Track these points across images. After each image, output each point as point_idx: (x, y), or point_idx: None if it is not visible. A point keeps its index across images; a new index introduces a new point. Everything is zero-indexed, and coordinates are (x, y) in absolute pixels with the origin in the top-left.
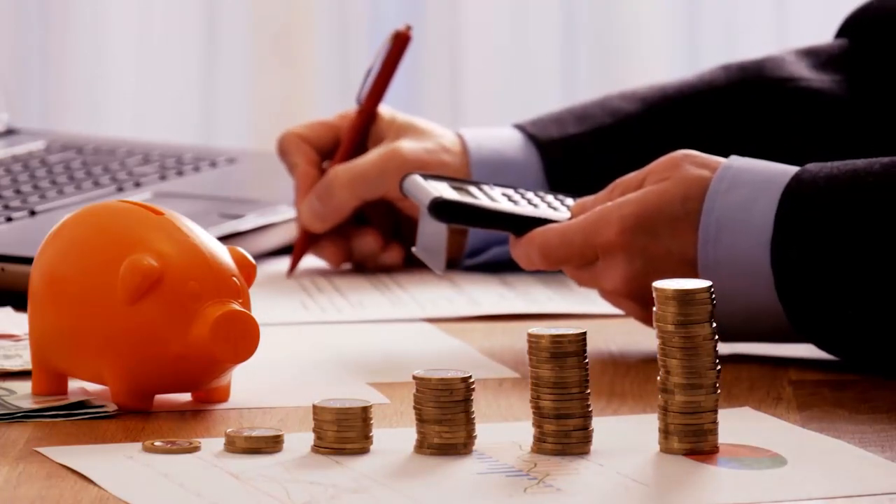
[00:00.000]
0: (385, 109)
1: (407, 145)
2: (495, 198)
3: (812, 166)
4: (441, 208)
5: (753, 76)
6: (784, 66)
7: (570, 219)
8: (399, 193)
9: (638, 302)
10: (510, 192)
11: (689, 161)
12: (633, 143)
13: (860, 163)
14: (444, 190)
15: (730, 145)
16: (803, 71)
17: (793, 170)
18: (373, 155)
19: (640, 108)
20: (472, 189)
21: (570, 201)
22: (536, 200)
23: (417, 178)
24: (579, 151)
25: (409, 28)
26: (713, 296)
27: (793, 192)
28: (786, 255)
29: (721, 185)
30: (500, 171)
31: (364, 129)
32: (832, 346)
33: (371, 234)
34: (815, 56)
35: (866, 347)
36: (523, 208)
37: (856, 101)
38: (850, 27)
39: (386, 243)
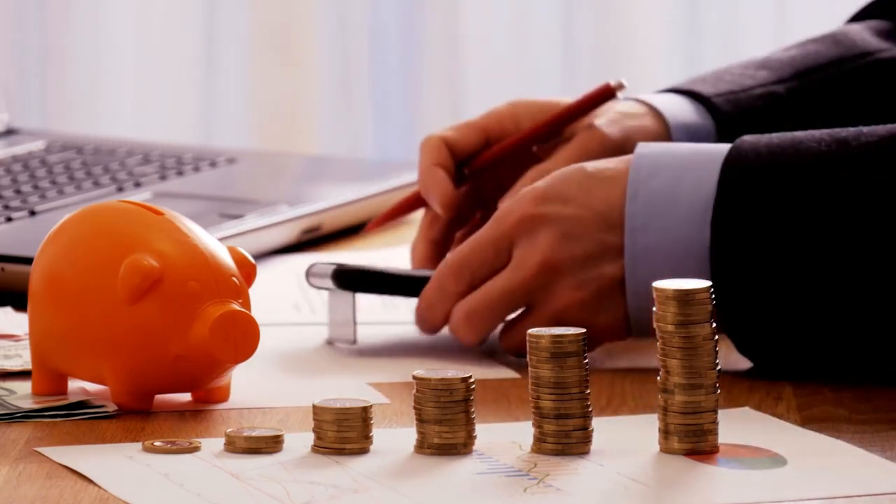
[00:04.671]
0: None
1: (599, 126)
2: (398, 269)
3: (749, 137)
4: (343, 276)
5: (848, 49)
6: (859, 39)
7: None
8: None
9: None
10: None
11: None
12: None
13: (801, 134)
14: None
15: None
16: (873, 41)
17: (720, 148)
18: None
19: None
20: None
21: None
22: None
23: (321, 265)
24: (749, 108)
25: (620, 85)
26: (713, 296)
27: (733, 164)
28: (725, 230)
29: (640, 174)
30: (693, 131)
31: (527, 149)
32: (751, 342)
33: None
34: (870, 29)
35: (790, 347)
36: (429, 272)
37: None
38: (874, 11)
39: None
